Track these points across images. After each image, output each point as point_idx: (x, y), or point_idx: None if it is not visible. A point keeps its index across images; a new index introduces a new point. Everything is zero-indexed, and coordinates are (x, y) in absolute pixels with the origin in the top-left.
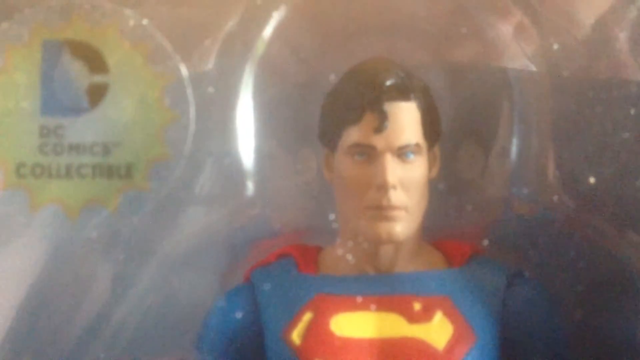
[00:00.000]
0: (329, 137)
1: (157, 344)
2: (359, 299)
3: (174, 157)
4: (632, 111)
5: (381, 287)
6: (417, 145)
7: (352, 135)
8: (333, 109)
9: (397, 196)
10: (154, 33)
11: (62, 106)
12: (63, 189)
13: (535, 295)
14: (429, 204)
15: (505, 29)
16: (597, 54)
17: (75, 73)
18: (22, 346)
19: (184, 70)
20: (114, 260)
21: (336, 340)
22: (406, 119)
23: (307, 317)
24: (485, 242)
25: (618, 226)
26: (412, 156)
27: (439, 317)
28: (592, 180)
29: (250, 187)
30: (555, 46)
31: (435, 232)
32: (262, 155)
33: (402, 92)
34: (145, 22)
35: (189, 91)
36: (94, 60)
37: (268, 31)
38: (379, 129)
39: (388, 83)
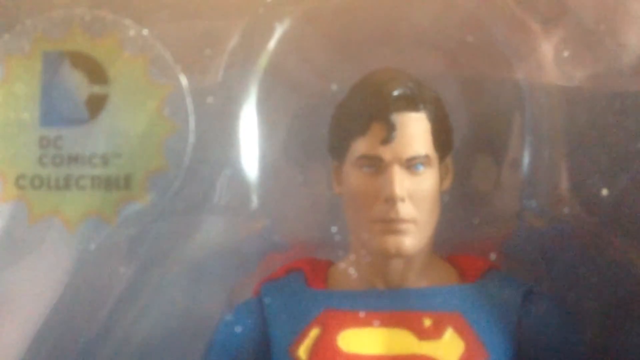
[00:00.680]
0: (337, 149)
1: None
2: (368, 315)
3: (173, 168)
4: None
5: (391, 302)
6: (427, 156)
7: (360, 146)
8: (341, 121)
9: (405, 209)
10: (154, 43)
11: (62, 117)
12: (62, 201)
13: (553, 312)
14: (441, 217)
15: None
16: None
17: (75, 84)
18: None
19: (184, 81)
20: (118, 273)
21: (343, 357)
22: (415, 130)
23: (314, 332)
24: (495, 257)
25: (632, 238)
26: (421, 168)
27: (449, 333)
28: (605, 191)
29: (254, 200)
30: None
31: (447, 246)
32: (266, 168)
33: (410, 103)
34: (145, 32)
35: (189, 102)
36: (93, 71)
37: (272, 42)
38: (387, 139)
39: (396, 93)
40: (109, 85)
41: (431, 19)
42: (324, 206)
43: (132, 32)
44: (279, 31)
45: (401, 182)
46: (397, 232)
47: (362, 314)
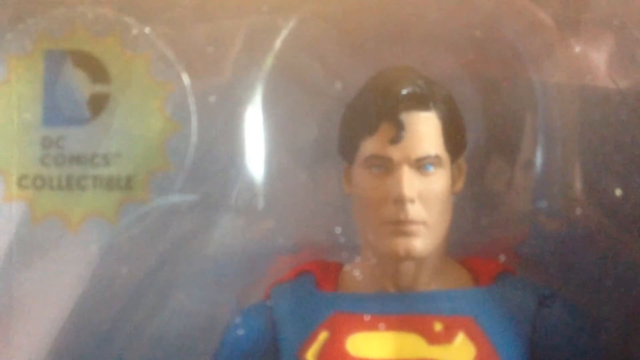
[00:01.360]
0: (347, 149)
1: None
2: (377, 318)
3: (175, 168)
4: None
5: (401, 306)
6: (437, 157)
7: (369, 146)
8: (350, 121)
9: (415, 210)
10: (155, 42)
11: (64, 117)
12: (64, 201)
13: (568, 317)
14: (454, 218)
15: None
16: None
17: (77, 83)
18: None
19: (185, 80)
20: (124, 274)
21: None
22: (425, 130)
23: (322, 336)
24: (507, 259)
25: None
26: (431, 168)
27: (460, 338)
28: (618, 192)
29: (260, 201)
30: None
31: (460, 248)
32: (272, 169)
33: (420, 101)
34: (147, 31)
35: (191, 101)
36: (96, 69)
37: (278, 41)
38: (395, 139)
39: (404, 92)
40: (111, 84)
41: (444, 17)
42: (331, 208)
43: (134, 31)
44: (285, 30)
45: (410, 182)
46: (406, 233)
47: (371, 318)
